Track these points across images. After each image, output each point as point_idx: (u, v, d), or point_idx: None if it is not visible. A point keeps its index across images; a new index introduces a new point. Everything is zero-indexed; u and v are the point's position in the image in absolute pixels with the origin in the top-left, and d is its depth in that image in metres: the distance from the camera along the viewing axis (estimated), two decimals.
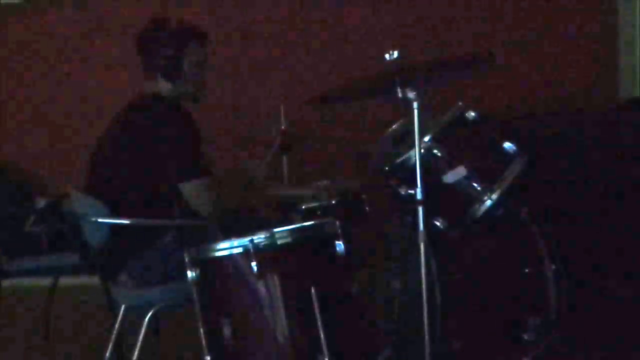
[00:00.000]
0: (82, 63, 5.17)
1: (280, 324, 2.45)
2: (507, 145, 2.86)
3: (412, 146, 2.69)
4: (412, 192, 2.68)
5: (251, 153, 3.99)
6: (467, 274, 3.01)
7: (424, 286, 2.61)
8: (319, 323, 2.39)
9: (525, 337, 2.94)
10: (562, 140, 3.82)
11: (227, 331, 2.47)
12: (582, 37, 4.62)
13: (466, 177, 2.82)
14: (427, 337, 2.60)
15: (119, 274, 3.12)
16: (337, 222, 2.52)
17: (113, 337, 3.12)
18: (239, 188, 3.34)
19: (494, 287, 3.00)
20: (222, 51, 4.60)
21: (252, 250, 2.43)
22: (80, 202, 3.16)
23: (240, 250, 2.46)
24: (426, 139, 2.79)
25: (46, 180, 4.41)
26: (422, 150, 2.68)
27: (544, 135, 3.81)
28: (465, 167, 2.82)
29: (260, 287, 2.46)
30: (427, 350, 2.60)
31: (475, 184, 2.82)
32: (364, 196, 3.26)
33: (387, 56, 2.69)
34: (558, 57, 4.65)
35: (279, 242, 2.47)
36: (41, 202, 3.96)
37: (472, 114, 2.90)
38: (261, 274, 2.43)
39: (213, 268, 2.53)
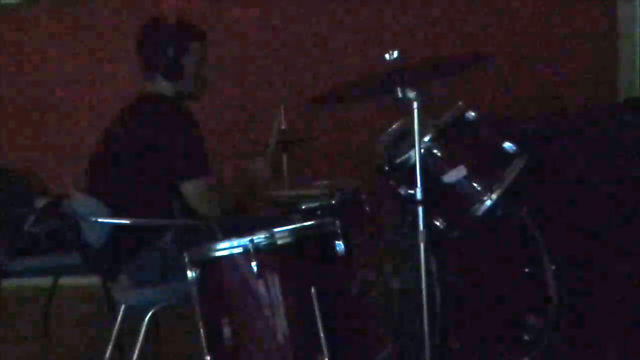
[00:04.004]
0: (82, 63, 5.17)
1: (280, 324, 2.45)
2: (507, 145, 2.86)
3: (412, 146, 2.68)
4: (412, 192, 2.68)
5: (251, 153, 3.98)
6: (467, 274, 3.01)
7: (424, 286, 2.61)
8: (319, 323, 2.39)
9: (525, 337, 2.94)
10: (562, 140, 3.81)
11: (227, 331, 2.47)
12: (582, 37, 4.62)
13: (466, 177, 2.81)
14: (427, 337, 2.60)
15: (119, 274, 3.12)
16: (337, 222, 2.52)
17: (113, 337, 3.13)
18: (240, 188, 3.34)
19: (494, 287, 3.00)
20: (221, 51, 4.60)
21: (252, 250, 2.43)
22: (80, 202, 3.16)
23: (240, 250, 2.46)
24: (426, 139, 2.79)
25: (46, 180, 4.41)
26: (422, 150, 2.68)
27: (544, 135, 3.80)
28: (465, 167, 2.81)
29: (260, 287, 2.46)
30: (427, 350, 2.60)
31: (475, 184, 2.82)
32: (364, 196, 3.26)
33: (387, 56, 2.69)
34: (558, 57, 4.65)
35: (279, 242, 2.47)
36: (41, 202, 3.96)
37: (472, 114, 2.90)
38: (261, 274, 2.43)
39: (213, 268, 2.53)
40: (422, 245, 2.62)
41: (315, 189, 3.31)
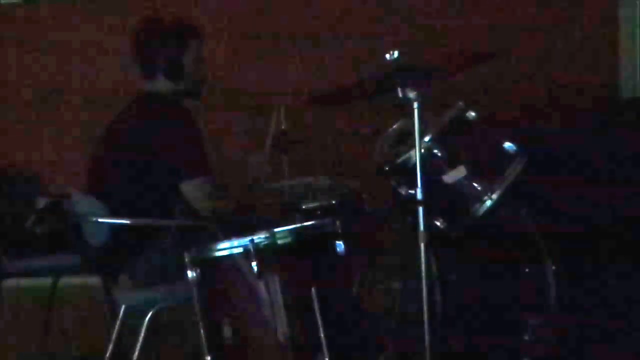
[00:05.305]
0: (82, 63, 5.17)
1: (280, 324, 2.45)
2: (507, 145, 2.87)
3: (412, 146, 2.68)
4: (412, 192, 2.68)
5: (252, 153, 3.98)
6: (466, 274, 3.01)
7: (424, 286, 2.61)
8: (319, 323, 2.39)
9: (525, 337, 2.94)
10: (562, 140, 3.81)
11: (227, 331, 2.47)
12: (582, 37, 4.62)
13: (466, 177, 2.82)
14: (427, 337, 2.60)
15: (119, 274, 3.12)
16: (337, 222, 2.52)
17: (113, 337, 3.12)
18: (241, 186, 3.34)
19: (494, 287, 3.00)
20: (220, 50, 4.60)
21: (252, 250, 2.43)
22: (80, 202, 3.16)
23: (240, 250, 2.46)
24: (426, 139, 2.79)
25: (46, 180, 4.41)
26: (422, 150, 2.68)
27: (544, 135, 3.80)
28: (465, 167, 2.81)
29: (260, 287, 2.46)
30: (427, 350, 2.60)
31: (475, 184, 2.82)
32: (364, 196, 3.26)
33: (387, 56, 2.69)
34: (558, 57, 4.64)
35: (279, 242, 2.47)
36: (41, 202, 3.95)
37: (472, 114, 2.90)
38: (261, 274, 2.43)
39: (213, 268, 2.53)
40: (422, 245, 2.62)
41: (315, 180, 3.32)
